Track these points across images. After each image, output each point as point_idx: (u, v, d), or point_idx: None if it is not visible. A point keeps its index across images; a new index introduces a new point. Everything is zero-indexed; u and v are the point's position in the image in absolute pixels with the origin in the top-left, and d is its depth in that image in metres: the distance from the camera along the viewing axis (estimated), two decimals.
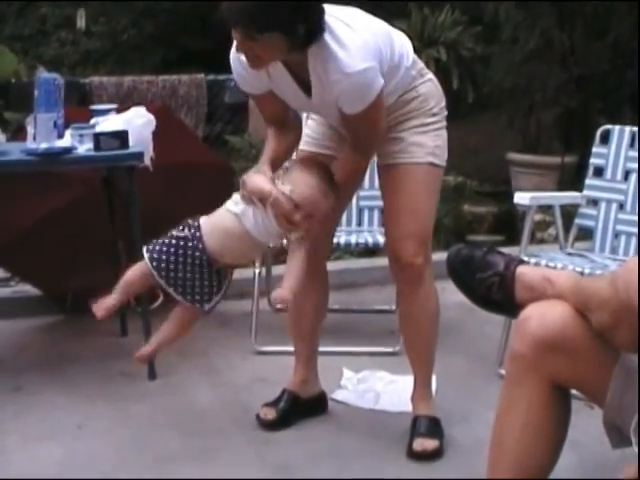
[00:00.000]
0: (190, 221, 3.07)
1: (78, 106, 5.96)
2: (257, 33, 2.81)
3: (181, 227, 3.07)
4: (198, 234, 3.02)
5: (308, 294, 3.27)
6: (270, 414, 3.44)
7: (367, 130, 3.05)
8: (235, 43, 2.94)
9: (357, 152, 3.10)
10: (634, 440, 2.11)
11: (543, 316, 2.22)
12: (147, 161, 3.86)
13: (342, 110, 3.00)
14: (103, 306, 3.11)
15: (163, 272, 3.03)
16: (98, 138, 3.73)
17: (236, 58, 3.04)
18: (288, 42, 2.85)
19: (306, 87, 3.02)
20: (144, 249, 3.08)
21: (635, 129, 4.18)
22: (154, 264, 3.03)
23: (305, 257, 3.05)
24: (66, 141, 3.78)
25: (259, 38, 2.82)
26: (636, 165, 4.12)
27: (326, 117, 3.21)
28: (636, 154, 4.12)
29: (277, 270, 4.36)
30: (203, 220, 3.06)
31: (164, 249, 3.03)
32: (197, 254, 3.01)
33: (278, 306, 3.19)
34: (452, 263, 2.51)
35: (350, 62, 2.87)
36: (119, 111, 4.03)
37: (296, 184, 2.96)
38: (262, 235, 2.99)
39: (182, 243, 3.03)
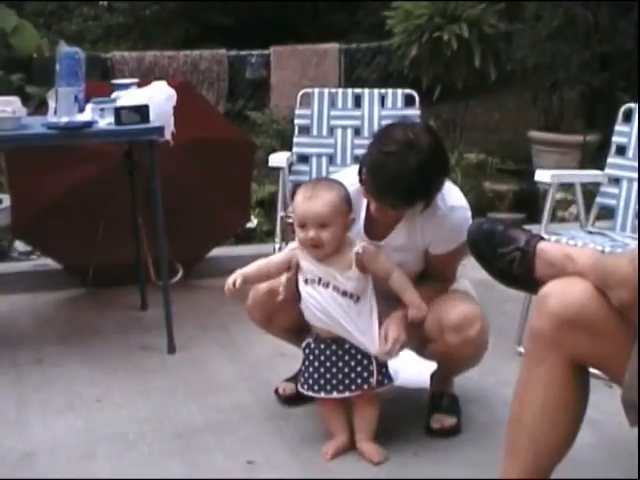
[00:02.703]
0: None
1: (100, 81, 5.97)
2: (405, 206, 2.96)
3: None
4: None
5: None
6: (289, 389, 3.45)
7: (455, 264, 3.15)
8: (377, 205, 2.97)
9: (440, 281, 3.17)
10: None
11: (563, 293, 2.22)
12: (168, 136, 3.86)
13: (432, 252, 3.09)
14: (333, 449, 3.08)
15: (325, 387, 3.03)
16: (119, 112, 3.73)
17: (360, 195, 3.04)
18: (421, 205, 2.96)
19: (371, 227, 3.10)
20: (300, 387, 3.11)
21: None
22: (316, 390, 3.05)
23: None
24: (87, 115, 3.78)
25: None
26: None
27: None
28: None
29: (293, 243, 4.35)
30: None
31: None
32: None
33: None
34: (473, 237, 2.50)
35: (453, 196, 3.00)
36: (140, 85, 4.03)
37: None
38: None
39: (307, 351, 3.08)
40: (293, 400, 3.41)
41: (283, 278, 3.07)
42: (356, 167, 3.06)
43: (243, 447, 3.13)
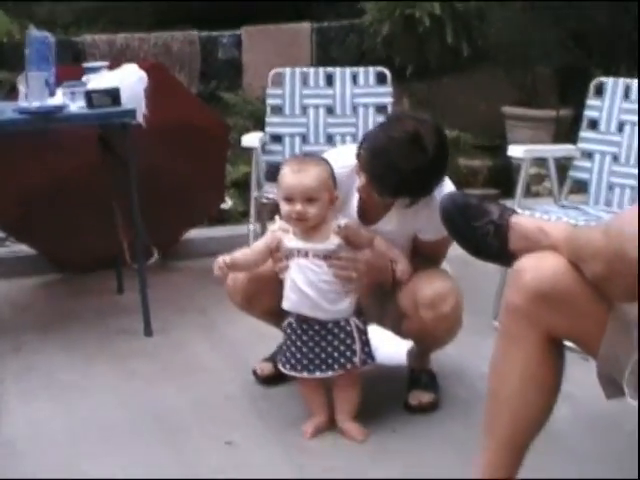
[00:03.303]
0: None
1: (71, 64, 5.93)
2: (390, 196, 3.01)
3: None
4: None
5: None
6: (267, 369, 3.46)
7: (443, 250, 3.17)
8: (365, 183, 2.97)
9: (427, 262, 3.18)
10: (627, 391, 2.13)
11: (537, 268, 2.22)
12: (140, 118, 3.85)
13: (422, 238, 3.13)
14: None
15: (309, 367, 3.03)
16: (90, 95, 3.72)
17: (354, 177, 3.05)
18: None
19: (363, 211, 3.11)
20: (282, 367, 3.09)
21: (629, 81, 4.17)
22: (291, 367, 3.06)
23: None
24: (58, 99, 3.77)
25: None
26: (630, 117, 4.11)
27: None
28: (630, 106, 4.12)
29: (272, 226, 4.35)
30: None
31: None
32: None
33: None
34: (447, 210, 2.50)
35: (447, 187, 3.00)
36: (111, 68, 4.01)
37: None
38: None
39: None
40: (271, 380, 3.42)
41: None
42: (352, 147, 3.07)
43: (222, 428, 3.14)
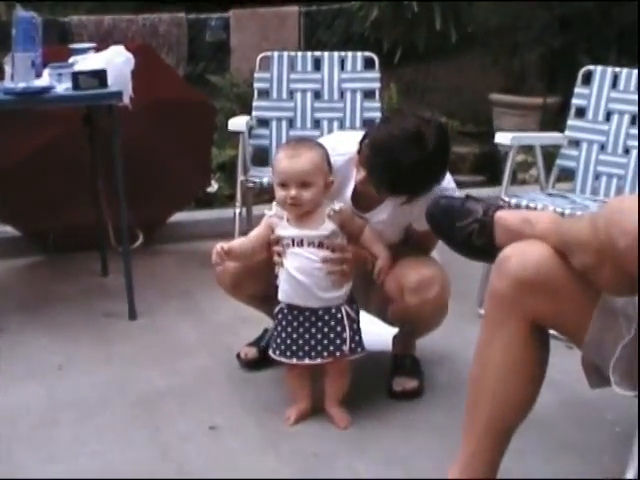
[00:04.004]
0: None
1: (57, 45, 5.90)
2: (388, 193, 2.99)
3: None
4: None
5: None
6: (251, 353, 3.45)
7: (435, 240, 3.13)
8: (363, 177, 2.96)
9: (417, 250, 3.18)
10: (613, 379, 2.13)
11: (522, 255, 2.22)
12: (126, 100, 3.82)
13: (417, 228, 3.10)
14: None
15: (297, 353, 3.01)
16: (76, 77, 3.69)
17: (351, 166, 3.05)
18: None
19: (357, 200, 3.10)
20: (272, 352, 3.08)
21: (617, 70, 4.17)
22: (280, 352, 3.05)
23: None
24: (44, 80, 3.74)
25: None
26: (618, 106, 4.12)
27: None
28: (618, 95, 4.12)
29: (257, 210, 4.34)
30: None
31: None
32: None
33: None
34: (431, 214, 2.54)
35: (445, 180, 3.00)
36: (98, 50, 3.99)
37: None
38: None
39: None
40: (255, 365, 3.42)
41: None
42: (355, 134, 3.07)
43: (205, 412, 3.13)
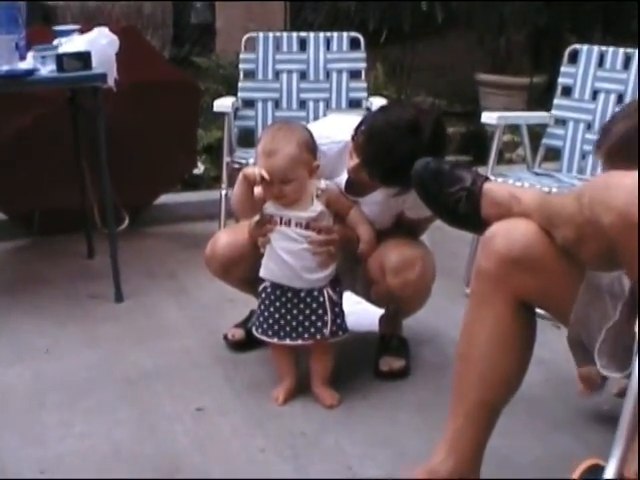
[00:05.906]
0: None
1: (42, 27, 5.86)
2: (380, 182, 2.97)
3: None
4: None
5: None
6: (238, 334, 3.45)
7: (425, 226, 3.18)
8: (356, 164, 2.94)
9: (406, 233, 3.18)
10: (599, 362, 2.13)
11: (508, 233, 2.22)
12: (111, 82, 3.81)
13: (408, 215, 3.12)
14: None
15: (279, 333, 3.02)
16: (61, 59, 3.67)
17: (344, 154, 3.03)
18: None
19: (351, 184, 3.08)
20: (254, 330, 3.09)
21: (604, 48, 4.16)
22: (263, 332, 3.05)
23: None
24: (28, 63, 3.71)
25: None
26: (604, 85, 4.11)
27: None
28: (604, 74, 4.12)
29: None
30: None
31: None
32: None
33: None
34: (419, 176, 2.48)
35: None
36: (82, 32, 3.96)
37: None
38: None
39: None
40: (242, 345, 3.42)
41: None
42: (351, 119, 3.06)
43: (192, 393, 3.13)
